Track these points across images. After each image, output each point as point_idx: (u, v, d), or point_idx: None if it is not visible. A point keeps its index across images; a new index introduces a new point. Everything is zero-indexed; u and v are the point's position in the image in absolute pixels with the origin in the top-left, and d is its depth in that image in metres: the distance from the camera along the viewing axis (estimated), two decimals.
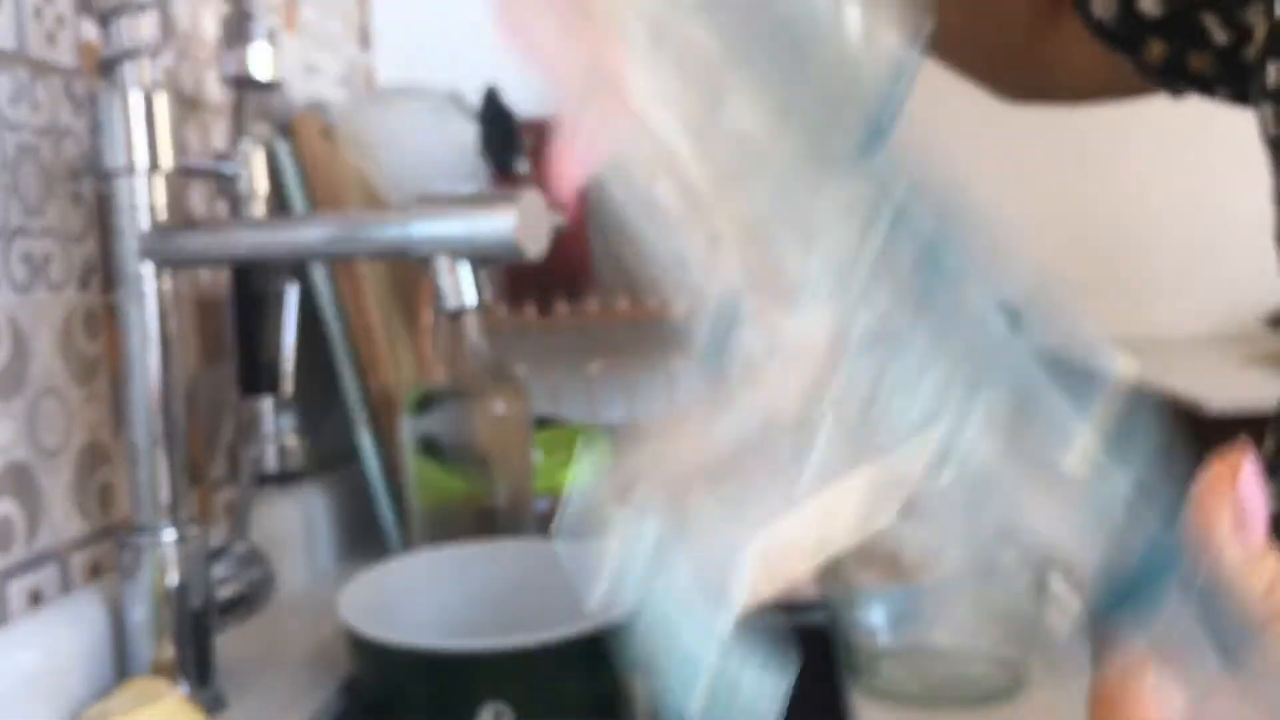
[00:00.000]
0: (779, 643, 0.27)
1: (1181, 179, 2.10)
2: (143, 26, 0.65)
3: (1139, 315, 2.07)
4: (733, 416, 0.28)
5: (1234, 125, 1.40)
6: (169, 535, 0.65)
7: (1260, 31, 0.63)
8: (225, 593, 0.70)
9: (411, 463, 0.87)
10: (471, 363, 0.86)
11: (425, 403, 0.86)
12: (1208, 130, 1.43)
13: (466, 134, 0.99)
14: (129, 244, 0.64)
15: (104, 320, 0.72)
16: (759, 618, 0.27)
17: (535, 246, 0.61)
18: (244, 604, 0.71)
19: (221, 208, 0.88)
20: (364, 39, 1.24)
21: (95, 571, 0.70)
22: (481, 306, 0.63)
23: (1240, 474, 0.26)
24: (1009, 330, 0.26)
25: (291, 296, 0.84)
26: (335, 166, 0.97)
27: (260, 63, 0.80)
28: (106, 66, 0.65)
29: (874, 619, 0.66)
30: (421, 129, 0.99)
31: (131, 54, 0.64)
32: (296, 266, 0.91)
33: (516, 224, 0.59)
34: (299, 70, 1.06)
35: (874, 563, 0.64)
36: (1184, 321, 2.10)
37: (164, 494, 0.65)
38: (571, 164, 0.31)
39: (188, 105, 0.85)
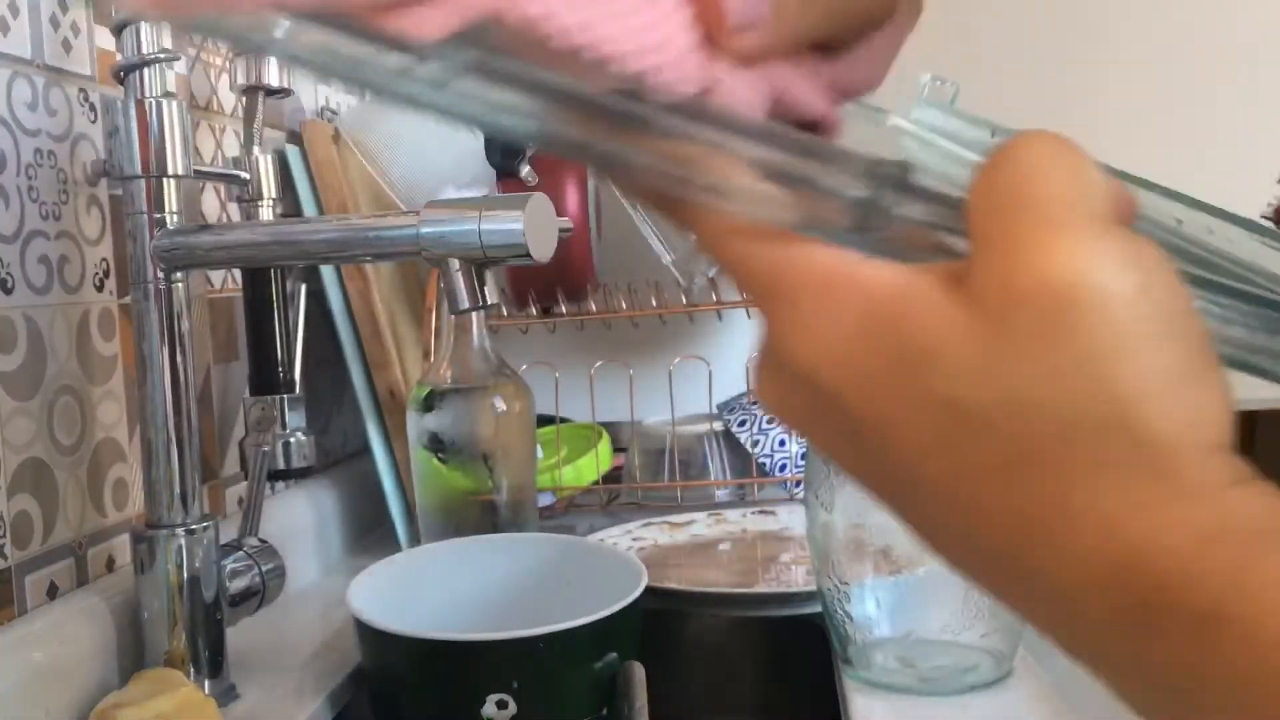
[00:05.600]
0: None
1: (1180, 181, 2.10)
2: (156, 35, 0.66)
3: None
4: None
5: (1234, 128, 1.42)
6: (182, 530, 0.66)
7: None
8: (237, 586, 0.71)
9: (417, 459, 0.88)
10: (475, 362, 0.88)
11: (431, 401, 0.87)
12: (1210, 133, 1.44)
13: (471, 139, 1.00)
14: (144, 247, 0.66)
15: (119, 321, 0.73)
16: None
17: (543, 249, 0.62)
18: (255, 597, 0.72)
19: (234, 211, 0.90)
20: None
21: (110, 565, 0.72)
22: (488, 307, 0.64)
23: None
24: None
25: (302, 297, 0.85)
26: (344, 171, 0.98)
27: (271, 71, 0.82)
28: (121, 74, 0.66)
29: (867, 610, 0.67)
30: (427, 134, 1.00)
31: (146, 62, 0.65)
32: (307, 268, 0.93)
33: (526, 227, 0.60)
34: (309, 78, 1.08)
35: (866, 555, 0.65)
36: None
37: (177, 490, 0.67)
38: None
39: (201, 112, 0.86)
